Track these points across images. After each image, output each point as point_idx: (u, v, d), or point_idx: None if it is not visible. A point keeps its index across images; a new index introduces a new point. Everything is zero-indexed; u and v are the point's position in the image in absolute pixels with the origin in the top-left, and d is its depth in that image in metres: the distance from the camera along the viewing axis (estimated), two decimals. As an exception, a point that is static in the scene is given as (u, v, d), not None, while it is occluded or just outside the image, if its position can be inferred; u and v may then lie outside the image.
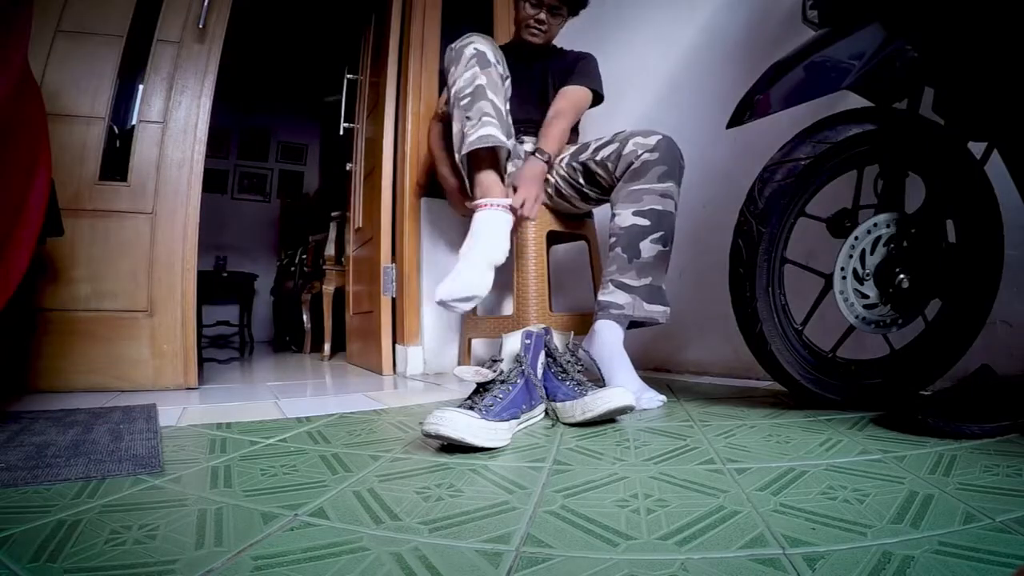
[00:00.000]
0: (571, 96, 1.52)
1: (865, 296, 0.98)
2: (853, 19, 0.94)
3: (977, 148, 0.98)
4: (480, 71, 1.28)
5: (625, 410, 0.96)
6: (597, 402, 0.94)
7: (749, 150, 1.50)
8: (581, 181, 1.46)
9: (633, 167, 1.28)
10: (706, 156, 1.69)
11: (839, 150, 0.95)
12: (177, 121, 1.63)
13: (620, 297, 1.24)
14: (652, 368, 1.84)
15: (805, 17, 1.19)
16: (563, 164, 1.49)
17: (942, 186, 0.97)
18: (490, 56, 1.31)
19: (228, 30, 1.69)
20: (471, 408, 0.85)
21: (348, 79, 2.59)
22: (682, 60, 1.80)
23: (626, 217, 1.26)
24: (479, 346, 2.00)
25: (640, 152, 1.28)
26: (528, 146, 1.58)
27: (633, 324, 1.26)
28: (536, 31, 1.56)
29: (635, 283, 1.24)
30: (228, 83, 2.16)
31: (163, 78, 1.63)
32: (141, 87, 1.62)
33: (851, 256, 0.97)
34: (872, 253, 0.97)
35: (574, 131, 1.61)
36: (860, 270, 0.97)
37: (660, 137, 1.28)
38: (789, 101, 0.93)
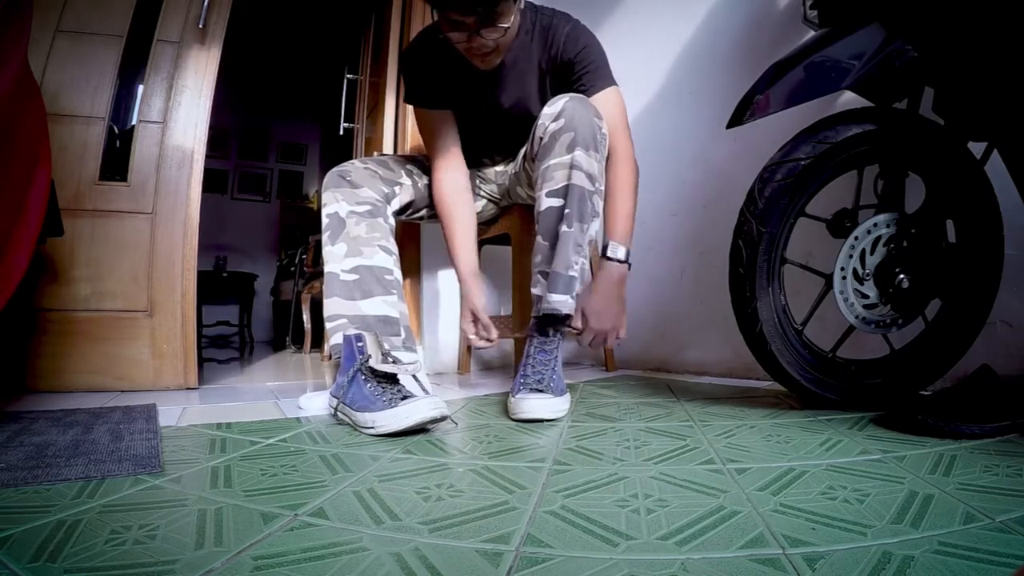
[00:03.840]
0: (613, 113, 1.17)
1: (865, 296, 0.98)
2: (853, 19, 0.94)
3: (977, 148, 0.98)
4: (332, 246, 1.19)
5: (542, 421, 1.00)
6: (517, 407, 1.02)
7: (749, 150, 1.50)
8: (527, 169, 1.28)
9: (543, 142, 1.12)
10: (706, 156, 1.69)
11: (839, 150, 0.95)
12: (177, 121, 1.63)
13: (539, 288, 1.14)
14: (652, 368, 1.84)
15: (805, 17, 1.19)
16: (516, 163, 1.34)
17: (942, 186, 0.97)
18: (368, 195, 1.23)
19: (228, 30, 1.69)
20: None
21: (348, 79, 2.59)
22: (682, 59, 1.80)
23: (540, 200, 1.12)
24: (479, 346, 2.00)
25: (547, 124, 1.11)
26: (502, 167, 1.40)
27: (549, 320, 1.12)
28: (488, 57, 1.13)
29: (549, 270, 1.12)
30: (228, 83, 2.16)
31: (163, 78, 1.63)
32: (141, 87, 1.62)
33: (851, 256, 0.97)
34: (872, 253, 0.97)
35: None
36: (860, 270, 0.97)
37: (566, 100, 1.10)
38: (789, 101, 0.93)
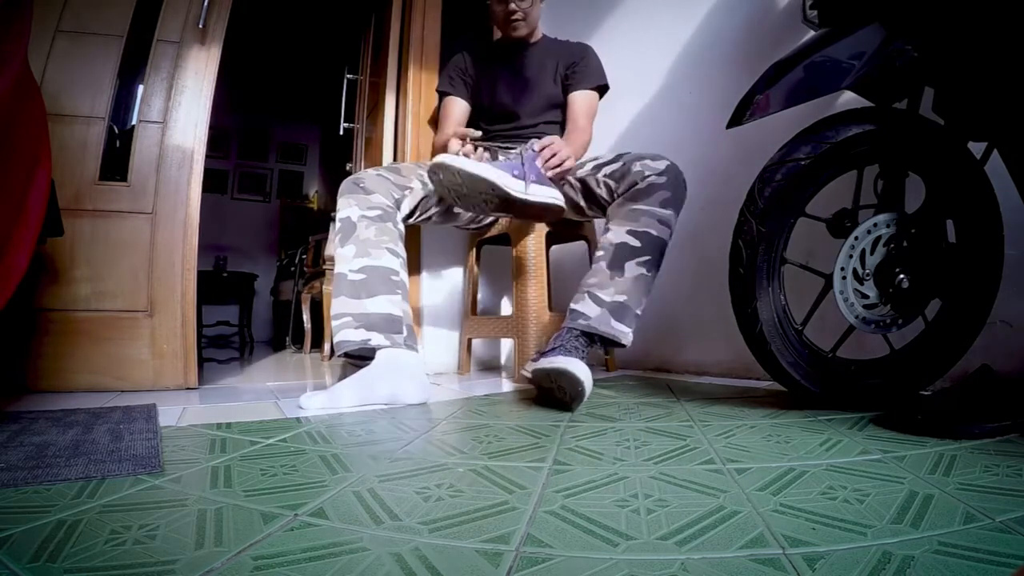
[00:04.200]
0: (583, 104, 1.54)
1: (865, 296, 0.98)
2: (853, 19, 0.94)
3: (977, 148, 0.98)
4: (342, 248, 1.30)
5: (564, 373, 1.06)
6: (543, 361, 1.09)
7: (749, 150, 1.50)
8: (579, 198, 1.43)
9: (637, 187, 1.26)
10: (706, 156, 1.69)
11: (839, 150, 0.95)
12: (177, 121, 1.63)
13: (591, 309, 1.21)
14: (652, 368, 1.84)
15: (805, 17, 1.19)
16: (578, 177, 1.46)
17: (942, 186, 0.97)
18: (354, 218, 1.32)
19: (228, 30, 1.69)
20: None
21: (348, 79, 2.59)
22: (682, 59, 1.80)
23: (619, 234, 1.24)
24: (479, 346, 2.00)
25: (647, 174, 1.26)
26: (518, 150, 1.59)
27: (596, 339, 1.22)
28: (516, 23, 1.54)
29: (610, 299, 1.21)
30: (228, 83, 2.16)
31: (163, 78, 1.63)
32: (141, 87, 1.62)
33: (851, 256, 0.97)
34: (872, 253, 0.97)
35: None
36: (860, 270, 0.97)
37: (669, 163, 1.27)
38: (789, 101, 0.93)
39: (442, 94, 1.69)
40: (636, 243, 1.22)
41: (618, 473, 0.67)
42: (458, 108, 1.64)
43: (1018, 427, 0.79)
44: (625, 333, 1.21)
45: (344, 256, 1.29)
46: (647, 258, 1.22)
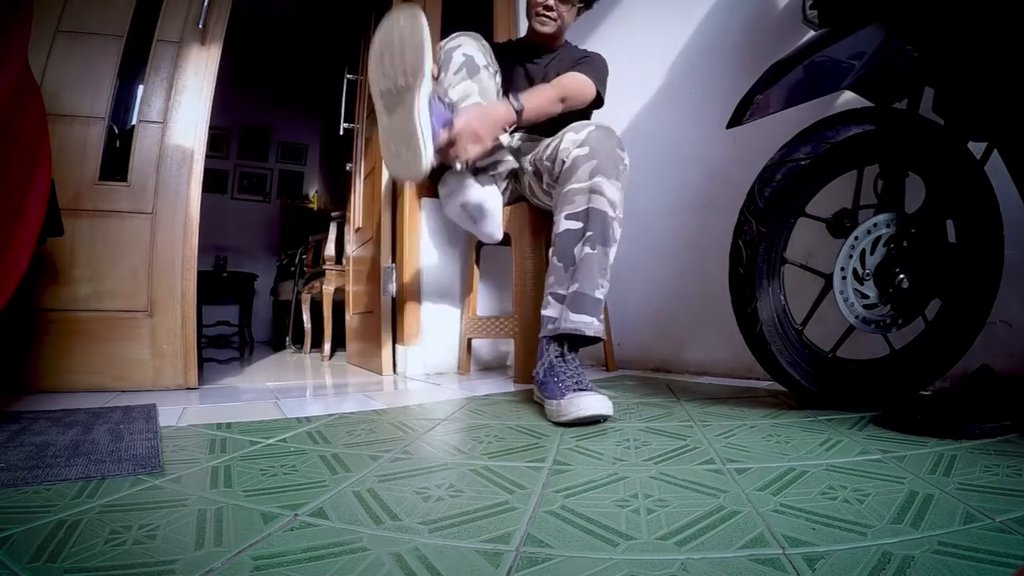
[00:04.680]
0: (573, 77, 1.39)
1: (865, 296, 0.98)
2: (853, 19, 0.94)
3: (977, 148, 0.98)
4: (471, 80, 1.27)
5: (598, 419, 0.96)
6: (571, 407, 0.96)
7: (749, 150, 1.51)
8: (537, 184, 1.37)
9: (565, 166, 1.18)
10: (706, 156, 1.69)
11: (839, 150, 0.95)
12: (177, 121, 1.63)
13: (554, 310, 1.14)
14: (652, 368, 1.84)
15: (805, 17, 1.19)
16: (530, 160, 1.40)
17: (942, 186, 0.97)
18: (478, 59, 1.30)
19: (228, 30, 1.69)
20: None
21: (348, 79, 2.59)
22: (682, 59, 1.80)
23: (559, 222, 1.16)
24: (479, 346, 2.00)
25: (571, 149, 1.17)
26: (518, 138, 1.48)
27: (569, 340, 1.13)
28: (545, 19, 1.44)
29: (564, 291, 1.13)
30: (228, 83, 2.16)
31: (163, 78, 1.63)
32: (141, 87, 1.62)
33: (851, 256, 0.97)
34: (872, 253, 0.97)
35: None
36: (860, 270, 0.97)
37: (591, 128, 1.17)
38: (789, 101, 0.93)
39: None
40: (576, 224, 1.13)
41: (618, 473, 0.67)
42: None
43: (1018, 427, 0.79)
44: (588, 323, 1.11)
45: (468, 88, 1.29)
46: (589, 234, 1.12)
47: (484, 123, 1.18)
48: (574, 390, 0.99)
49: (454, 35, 1.35)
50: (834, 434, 0.83)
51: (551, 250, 1.19)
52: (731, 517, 0.51)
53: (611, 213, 1.13)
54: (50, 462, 0.73)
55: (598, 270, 1.12)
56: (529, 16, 1.49)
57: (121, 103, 1.65)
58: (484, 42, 1.37)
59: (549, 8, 1.43)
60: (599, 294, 1.12)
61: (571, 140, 1.18)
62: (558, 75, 1.45)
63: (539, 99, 1.29)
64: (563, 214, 1.15)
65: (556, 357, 1.10)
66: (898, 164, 0.98)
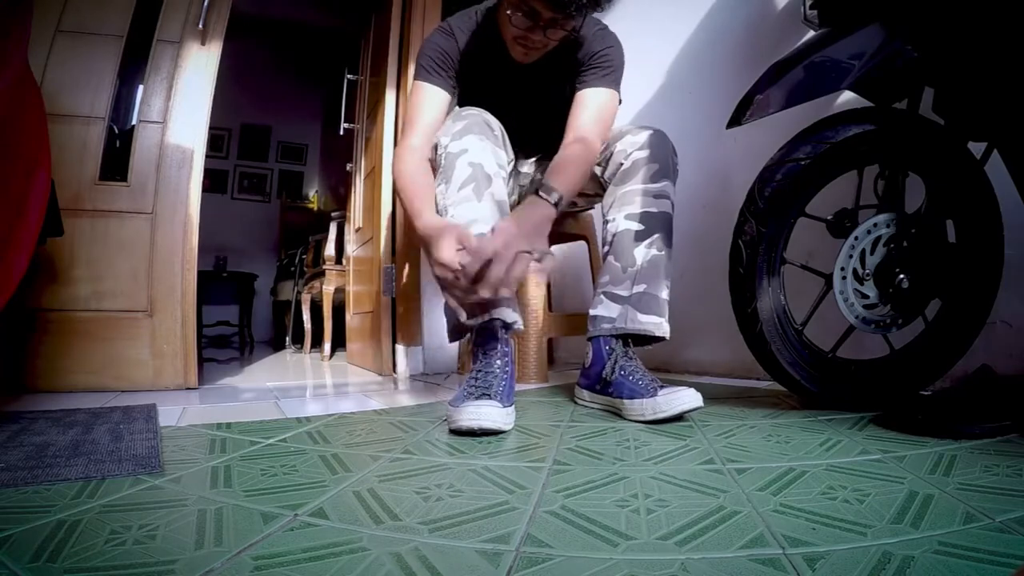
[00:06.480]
0: (593, 116, 1.16)
1: (865, 296, 0.98)
2: (853, 19, 0.94)
3: (977, 148, 0.98)
4: (478, 203, 1.04)
5: (695, 409, 0.96)
6: (672, 402, 0.95)
7: (749, 150, 1.51)
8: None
9: (623, 168, 1.16)
10: (706, 156, 1.69)
11: (839, 150, 0.95)
12: (177, 121, 1.63)
13: (611, 309, 1.12)
14: (652, 368, 1.83)
15: (805, 17, 1.19)
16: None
17: (942, 186, 0.97)
18: (488, 166, 1.07)
19: (228, 30, 1.69)
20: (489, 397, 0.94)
21: (348, 79, 2.59)
22: (682, 59, 1.80)
23: (618, 222, 1.14)
24: (479, 346, 2.00)
25: (630, 151, 1.15)
26: (528, 168, 1.38)
27: (629, 339, 1.13)
28: (527, 52, 1.14)
29: (627, 293, 1.11)
30: (228, 83, 2.16)
31: (163, 78, 1.63)
32: (141, 87, 1.62)
33: (851, 256, 0.97)
34: (872, 253, 0.97)
35: None
36: (860, 270, 0.97)
37: (651, 132, 1.16)
38: (789, 101, 0.93)
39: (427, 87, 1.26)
40: (639, 225, 1.12)
41: (618, 473, 0.67)
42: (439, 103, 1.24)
43: (1018, 427, 0.79)
44: (658, 324, 1.11)
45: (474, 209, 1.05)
46: (655, 236, 1.11)
47: (530, 236, 0.97)
48: (660, 386, 0.99)
49: (458, 128, 1.09)
50: (834, 434, 0.83)
51: (604, 249, 1.18)
52: (731, 517, 0.51)
53: (671, 215, 1.15)
54: (50, 462, 0.73)
55: (664, 273, 1.13)
56: (506, 39, 1.15)
57: (121, 103, 1.65)
58: (494, 127, 1.15)
59: (532, 43, 1.12)
60: (664, 295, 1.13)
61: (630, 143, 1.17)
62: (558, 76, 1.21)
63: (572, 174, 1.08)
64: (622, 214, 1.14)
65: (624, 357, 1.10)
66: (898, 164, 0.98)
